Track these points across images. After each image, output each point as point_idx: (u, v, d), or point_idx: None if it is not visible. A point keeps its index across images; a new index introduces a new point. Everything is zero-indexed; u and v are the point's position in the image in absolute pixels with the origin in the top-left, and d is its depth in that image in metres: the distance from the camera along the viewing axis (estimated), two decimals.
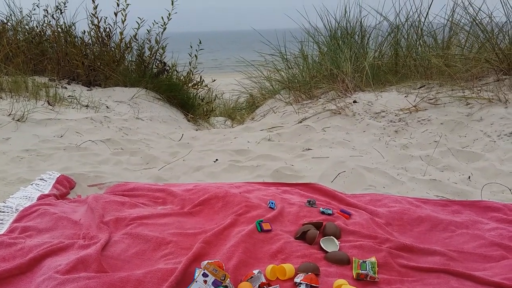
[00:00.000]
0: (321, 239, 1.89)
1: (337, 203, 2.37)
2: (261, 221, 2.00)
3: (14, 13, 6.39)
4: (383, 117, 3.90)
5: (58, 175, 2.68)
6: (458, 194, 2.53)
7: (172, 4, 5.71)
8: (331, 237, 1.91)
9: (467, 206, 2.34)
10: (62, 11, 6.01)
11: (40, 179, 2.61)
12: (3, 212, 2.16)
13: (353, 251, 1.83)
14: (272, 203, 2.23)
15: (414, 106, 3.90)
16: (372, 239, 1.93)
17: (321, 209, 2.21)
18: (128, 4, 5.70)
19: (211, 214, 2.18)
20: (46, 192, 2.45)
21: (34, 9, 6.36)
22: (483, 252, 1.85)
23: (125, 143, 3.60)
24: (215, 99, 7.04)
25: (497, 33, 4.58)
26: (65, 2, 6.00)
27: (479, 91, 3.89)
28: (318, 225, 2.00)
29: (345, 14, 5.73)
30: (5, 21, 6.31)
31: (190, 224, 2.07)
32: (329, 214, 2.17)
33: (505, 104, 3.60)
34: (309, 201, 2.30)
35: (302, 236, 1.93)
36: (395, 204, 2.32)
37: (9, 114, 3.80)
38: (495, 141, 3.15)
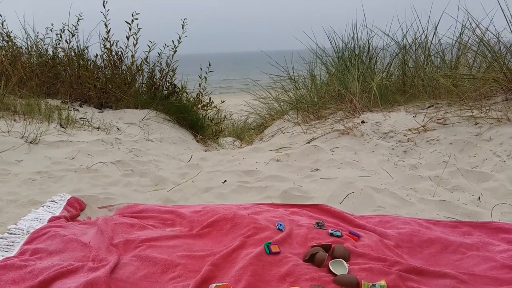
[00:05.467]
0: (330, 261, 1.88)
1: (346, 225, 2.35)
2: (270, 243, 2.00)
3: (29, 37, 6.59)
4: (392, 137, 3.90)
5: (68, 197, 2.72)
6: (468, 215, 2.50)
7: (183, 28, 5.85)
8: (340, 259, 1.90)
9: (478, 227, 2.32)
10: (74, 34, 6.17)
11: (51, 201, 2.64)
12: (14, 234, 2.19)
13: (362, 274, 1.81)
14: (280, 224, 2.23)
15: (423, 126, 3.90)
16: (382, 261, 1.91)
17: (329, 230, 2.20)
18: (139, 29, 5.84)
19: (219, 236, 2.18)
20: (57, 214, 2.48)
21: (47, 33, 6.55)
22: (494, 275, 1.82)
23: (135, 164, 3.64)
24: (224, 120, 7.11)
25: (504, 53, 4.59)
26: (76, 26, 6.17)
27: (487, 111, 3.88)
28: (326, 248, 1.99)
29: (353, 36, 5.81)
30: (19, 45, 6.49)
31: (199, 246, 2.08)
32: (338, 236, 2.16)
33: None
34: (317, 223, 2.29)
35: (310, 259, 1.92)
36: (404, 225, 2.30)
37: (22, 137, 3.88)
38: (504, 161, 3.12)
